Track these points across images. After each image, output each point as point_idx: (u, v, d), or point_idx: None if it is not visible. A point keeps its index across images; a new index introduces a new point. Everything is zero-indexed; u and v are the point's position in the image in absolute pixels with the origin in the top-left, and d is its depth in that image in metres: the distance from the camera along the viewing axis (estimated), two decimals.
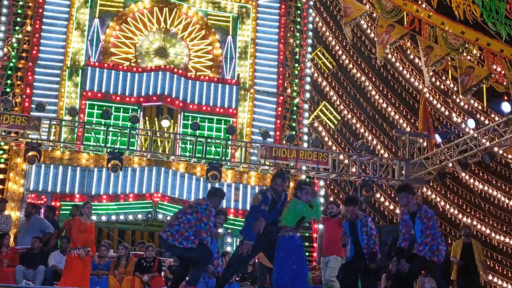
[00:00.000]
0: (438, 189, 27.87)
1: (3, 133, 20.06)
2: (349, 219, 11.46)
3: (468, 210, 28.15)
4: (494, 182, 28.52)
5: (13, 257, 13.60)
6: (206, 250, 10.67)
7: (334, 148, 26.53)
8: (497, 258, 28.09)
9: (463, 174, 26.11)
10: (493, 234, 28.08)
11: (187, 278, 10.86)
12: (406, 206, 10.88)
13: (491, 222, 28.09)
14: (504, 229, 28.46)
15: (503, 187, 28.62)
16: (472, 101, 27.55)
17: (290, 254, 10.16)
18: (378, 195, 26.46)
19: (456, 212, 27.85)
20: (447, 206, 27.83)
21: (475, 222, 27.67)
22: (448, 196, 28.11)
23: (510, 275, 28.00)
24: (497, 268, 27.98)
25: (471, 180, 27.98)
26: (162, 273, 14.36)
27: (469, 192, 28.12)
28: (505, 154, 26.56)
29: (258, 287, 12.43)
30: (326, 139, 26.78)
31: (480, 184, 28.13)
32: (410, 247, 10.96)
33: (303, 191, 10.45)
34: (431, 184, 25.98)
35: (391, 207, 26.70)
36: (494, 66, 22.00)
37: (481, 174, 28.40)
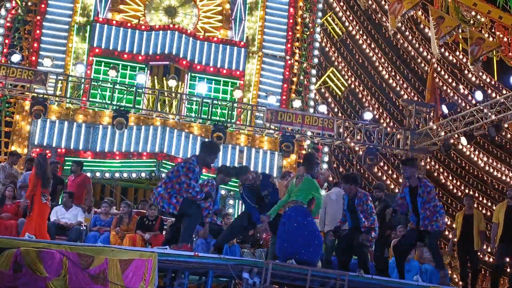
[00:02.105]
0: (442, 160, 27.87)
1: (10, 87, 20.03)
2: (348, 195, 11.55)
3: (470, 182, 28.18)
4: (499, 156, 28.51)
5: (16, 210, 13.66)
6: (192, 208, 10.63)
7: (340, 114, 26.47)
8: None
9: (468, 146, 26.07)
10: (494, 207, 28.13)
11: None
12: (409, 179, 11.05)
13: (492, 195, 28.11)
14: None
15: (508, 160, 28.61)
16: (481, 74, 27.38)
17: (294, 224, 10.31)
18: (381, 164, 26.48)
19: (458, 183, 27.87)
20: (450, 178, 27.84)
21: (476, 194, 27.70)
22: (452, 167, 28.11)
23: None
24: None
25: (476, 152, 27.94)
26: (164, 232, 14.43)
27: (473, 165, 28.10)
28: (510, 128, 26.49)
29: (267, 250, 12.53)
30: (332, 105, 26.72)
31: (485, 157, 28.09)
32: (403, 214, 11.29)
33: (314, 165, 10.74)
34: (434, 154, 25.97)
35: (394, 176, 26.74)
36: (505, 39, 21.81)
37: (486, 147, 28.38)
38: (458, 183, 27.94)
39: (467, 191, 27.52)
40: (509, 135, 28.15)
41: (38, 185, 12.13)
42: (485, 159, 28.07)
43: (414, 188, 11.20)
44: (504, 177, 28.17)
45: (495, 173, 28.06)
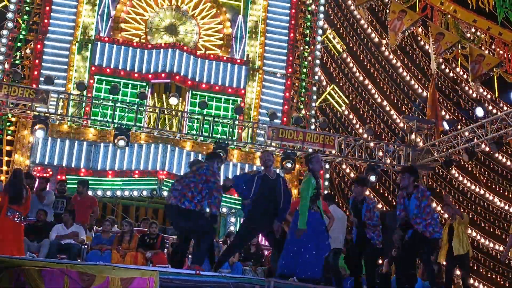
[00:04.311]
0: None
1: (11, 105, 20.09)
2: (356, 199, 11.45)
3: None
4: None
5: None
6: (209, 225, 10.52)
7: (341, 131, 26.51)
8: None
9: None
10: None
11: (190, 257, 10.88)
12: (405, 187, 10.91)
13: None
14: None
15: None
16: (481, 90, 27.45)
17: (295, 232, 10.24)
18: (383, 180, 26.48)
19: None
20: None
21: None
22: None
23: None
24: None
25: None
26: (165, 250, 14.42)
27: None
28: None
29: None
30: (333, 122, 26.76)
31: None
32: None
33: (313, 161, 10.54)
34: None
35: (396, 193, 26.71)
36: (505, 56, 21.89)
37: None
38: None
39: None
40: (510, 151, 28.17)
41: (5, 201, 11.74)
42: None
43: (409, 195, 11.02)
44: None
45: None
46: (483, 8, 22.75)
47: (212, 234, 10.87)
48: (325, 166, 24.17)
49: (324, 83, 27.01)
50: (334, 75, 27.66)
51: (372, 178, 21.31)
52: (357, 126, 27.26)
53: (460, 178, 27.80)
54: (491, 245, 27.95)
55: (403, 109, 28.16)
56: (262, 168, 10.91)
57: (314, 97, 25.31)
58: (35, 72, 22.68)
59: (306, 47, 25.77)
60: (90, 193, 18.08)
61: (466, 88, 28.86)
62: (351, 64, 28.11)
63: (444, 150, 21.03)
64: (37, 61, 22.88)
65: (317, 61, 25.72)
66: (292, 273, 10.14)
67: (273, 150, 21.89)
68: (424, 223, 10.69)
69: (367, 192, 13.49)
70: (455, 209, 14.27)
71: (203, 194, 10.35)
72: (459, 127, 23.16)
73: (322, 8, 26.40)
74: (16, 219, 11.84)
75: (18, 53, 23.30)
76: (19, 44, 23.34)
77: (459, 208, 15.93)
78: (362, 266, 11.77)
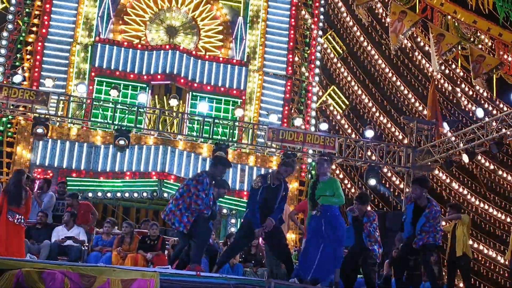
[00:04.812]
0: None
1: (11, 107, 20.09)
2: (357, 216, 11.47)
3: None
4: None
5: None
6: (201, 228, 10.49)
7: (341, 133, 26.49)
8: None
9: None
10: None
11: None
12: (418, 199, 11.01)
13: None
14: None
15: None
16: (481, 90, 27.46)
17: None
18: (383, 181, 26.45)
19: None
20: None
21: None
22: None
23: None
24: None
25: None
26: (166, 252, 14.41)
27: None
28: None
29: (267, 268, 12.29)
30: (334, 123, 26.74)
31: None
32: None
33: (324, 164, 10.59)
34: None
35: (396, 193, 26.69)
36: (506, 56, 21.90)
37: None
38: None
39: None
40: (510, 151, 28.16)
41: (4, 202, 11.71)
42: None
43: (418, 207, 11.15)
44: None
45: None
46: (483, 9, 22.75)
47: (207, 231, 10.79)
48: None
49: (324, 84, 26.99)
50: (334, 76, 27.64)
51: (372, 181, 21.34)
52: (357, 127, 27.23)
53: (456, 187, 27.88)
54: (490, 253, 28.01)
55: (403, 110, 28.14)
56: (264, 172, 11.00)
57: (314, 98, 25.31)
58: (35, 74, 22.69)
59: (306, 48, 25.78)
60: (90, 194, 18.18)
61: (466, 88, 28.85)
62: (351, 65, 28.08)
63: (444, 151, 21.02)
64: (37, 63, 22.89)
65: (317, 62, 25.72)
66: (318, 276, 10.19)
67: (273, 152, 21.91)
68: (433, 234, 10.87)
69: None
70: (458, 215, 14.29)
71: (192, 210, 10.40)
72: (459, 127, 23.14)
73: (322, 9, 26.41)
74: (16, 221, 11.78)
75: (18, 55, 23.31)
76: (19, 46, 23.36)
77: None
78: (355, 278, 11.73)
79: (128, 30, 24.44)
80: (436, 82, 27.64)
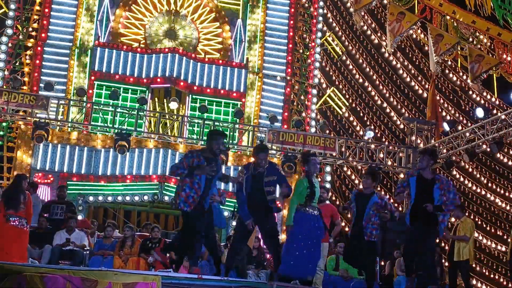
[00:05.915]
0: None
1: (11, 112, 20.10)
2: (364, 192, 11.14)
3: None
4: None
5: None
6: (190, 220, 10.23)
7: (341, 134, 26.49)
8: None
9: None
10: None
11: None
12: (423, 169, 10.52)
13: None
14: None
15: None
16: (482, 90, 27.43)
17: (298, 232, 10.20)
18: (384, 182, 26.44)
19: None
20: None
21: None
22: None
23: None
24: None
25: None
26: (167, 255, 14.40)
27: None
28: None
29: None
30: (334, 125, 26.75)
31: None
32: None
33: (310, 163, 10.47)
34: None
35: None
36: (505, 56, 21.91)
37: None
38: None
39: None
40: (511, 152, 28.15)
41: (1, 207, 11.63)
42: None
43: (425, 181, 10.47)
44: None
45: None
46: (483, 13, 22.76)
47: (193, 229, 10.34)
48: (326, 168, 24.18)
49: (324, 85, 26.99)
50: (334, 78, 27.65)
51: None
52: (358, 128, 27.22)
53: (462, 179, 27.75)
54: (493, 245, 27.91)
55: (403, 110, 28.13)
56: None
57: (314, 99, 25.31)
58: (35, 78, 22.70)
59: (306, 50, 25.78)
60: (91, 198, 18.18)
61: (466, 89, 28.85)
62: (350, 66, 28.09)
63: (445, 151, 21.03)
64: (37, 67, 22.90)
65: (317, 64, 25.73)
66: (289, 274, 10.08)
67: (273, 154, 21.90)
68: (447, 216, 10.49)
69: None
70: (458, 213, 14.20)
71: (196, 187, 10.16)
72: (459, 127, 23.13)
73: (321, 11, 26.42)
74: (16, 225, 11.67)
75: (17, 60, 23.32)
76: (18, 50, 23.38)
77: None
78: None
79: (127, 34, 24.45)
80: (436, 82, 27.63)
